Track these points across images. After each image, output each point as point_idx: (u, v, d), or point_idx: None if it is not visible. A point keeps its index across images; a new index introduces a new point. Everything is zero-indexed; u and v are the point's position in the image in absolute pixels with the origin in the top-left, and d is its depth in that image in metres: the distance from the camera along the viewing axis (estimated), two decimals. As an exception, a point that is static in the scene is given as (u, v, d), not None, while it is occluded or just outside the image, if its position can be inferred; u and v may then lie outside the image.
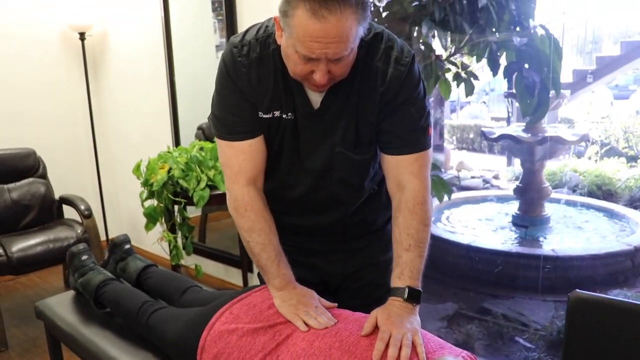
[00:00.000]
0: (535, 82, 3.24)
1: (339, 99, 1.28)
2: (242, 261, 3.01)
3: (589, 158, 6.06)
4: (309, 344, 1.15)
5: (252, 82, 1.27)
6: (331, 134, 1.31)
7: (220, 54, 1.37)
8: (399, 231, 1.31)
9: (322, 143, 1.33)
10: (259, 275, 1.69)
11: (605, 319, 1.33)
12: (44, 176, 3.27)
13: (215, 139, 1.37)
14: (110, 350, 1.55)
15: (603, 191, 5.12)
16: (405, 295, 1.25)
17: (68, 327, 1.71)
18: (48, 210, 3.19)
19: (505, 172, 6.41)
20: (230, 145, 1.32)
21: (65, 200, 3.21)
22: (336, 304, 1.36)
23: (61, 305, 1.83)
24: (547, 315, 3.02)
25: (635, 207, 4.56)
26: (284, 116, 1.30)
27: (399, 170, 1.33)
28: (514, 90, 4.15)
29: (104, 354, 1.54)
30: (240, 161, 1.32)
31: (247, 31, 1.31)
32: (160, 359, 1.48)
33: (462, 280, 3.44)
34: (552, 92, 3.30)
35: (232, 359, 1.21)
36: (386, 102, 1.29)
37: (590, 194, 5.08)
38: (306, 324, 1.23)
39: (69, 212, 3.23)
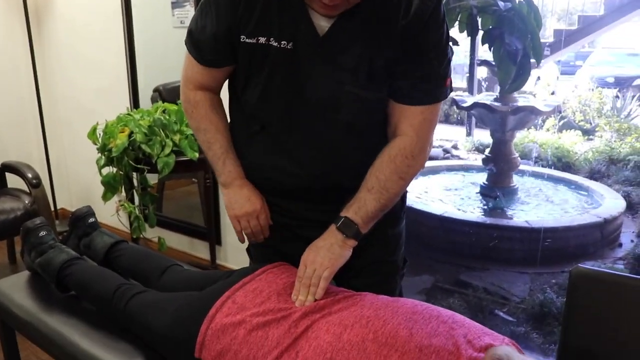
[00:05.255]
0: (517, 49, 3.13)
1: (352, 26, 1.09)
2: (209, 233, 2.80)
3: (547, 130, 6.11)
4: (336, 337, 0.98)
5: None
6: (339, 69, 1.13)
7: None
8: (369, 172, 1.21)
9: (327, 79, 1.14)
10: (247, 250, 1.51)
11: (607, 294, 1.29)
12: (-18, 141, 2.93)
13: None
14: (81, 342, 1.33)
15: (563, 163, 5.18)
16: (339, 223, 1.19)
17: (25, 315, 1.47)
18: (-11, 179, 2.86)
19: (464, 142, 6.38)
20: (191, 59, 1.26)
21: (9, 168, 2.87)
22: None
23: (15, 289, 1.58)
24: (524, 287, 2.98)
25: (595, 179, 4.62)
26: (275, 44, 1.11)
27: (401, 119, 1.20)
28: (486, 58, 4.05)
29: (72, 346, 1.32)
30: (195, 72, 1.28)
31: None
32: (143, 352, 1.27)
33: (436, 251, 3.35)
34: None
35: (240, 357, 1.03)
36: (405, 39, 1.11)
37: (550, 166, 5.12)
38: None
39: (13, 181, 2.90)
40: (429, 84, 1.17)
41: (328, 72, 1.14)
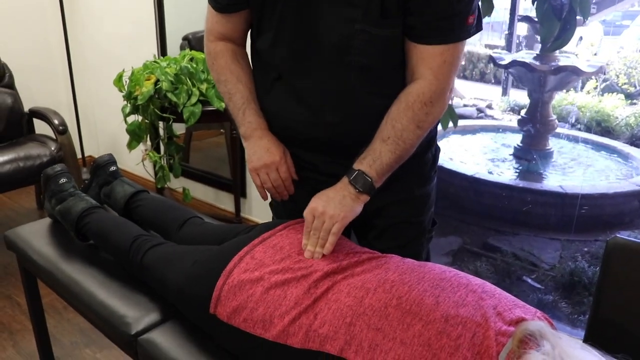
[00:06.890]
0: (563, 4, 2.96)
1: None
2: (234, 185, 2.77)
3: (588, 92, 5.86)
4: (357, 301, 0.93)
5: None
6: (350, 5, 1.05)
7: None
8: (385, 120, 1.12)
9: (337, 18, 1.06)
10: (271, 205, 1.45)
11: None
12: (10, 86, 2.91)
13: None
14: (98, 292, 1.31)
15: (602, 128, 4.97)
16: (352, 176, 1.12)
17: (45, 262, 1.46)
18: (17, 125, 2.85)
19: (499, 101, 6.18)
20: (210, 9, 1.25)
21: (36, 114, 2.86)
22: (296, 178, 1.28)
23: (36, 235, 1.56)
24: (555, 254, 2.88)
25: (637, 146, 4.43)
26: None
27: (418, 62, 1.10)
28: (529, 15, 3.85)
29: (89, 296, 1.30)
30: (215, 22, 1.26)
31: None
32: (159, 305, 1.24)
33: (464, 213, 3.26)
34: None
35: (256, 315, 0.98)
36: None
37: (588, 130, 4.93)
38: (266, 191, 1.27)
39: (40, 127, 2.90)
40: (448, 21, 1.05)
41: (338, 10, 1.06)
